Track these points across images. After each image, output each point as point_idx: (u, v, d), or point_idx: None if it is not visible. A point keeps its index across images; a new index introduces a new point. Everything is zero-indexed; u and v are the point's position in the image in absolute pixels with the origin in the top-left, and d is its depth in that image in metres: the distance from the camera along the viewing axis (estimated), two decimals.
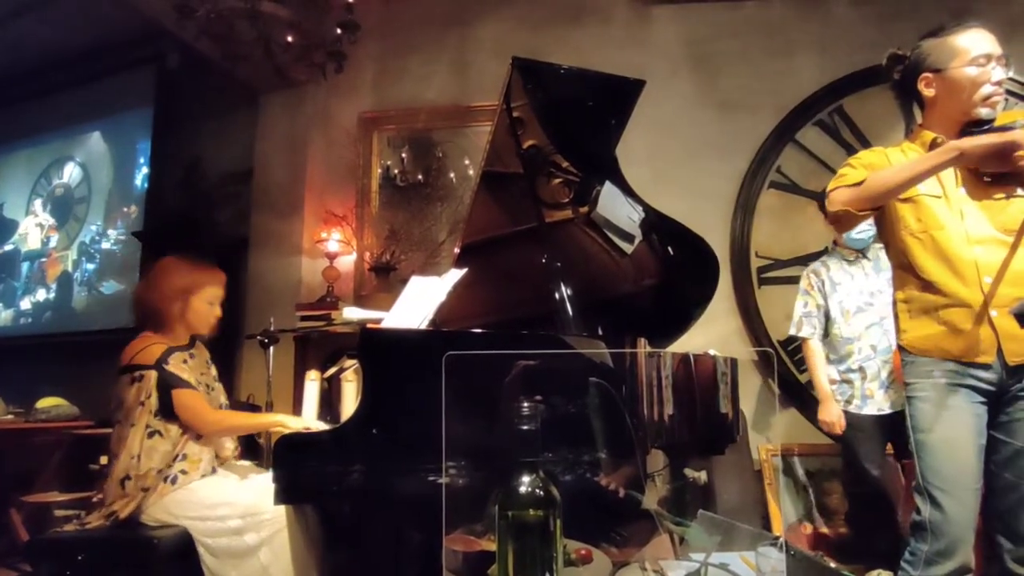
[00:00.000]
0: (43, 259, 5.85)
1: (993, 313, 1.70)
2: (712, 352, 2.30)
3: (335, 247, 4.12)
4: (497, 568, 1.03)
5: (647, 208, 2.43)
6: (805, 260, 3.73)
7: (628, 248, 2.53)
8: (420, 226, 4.24)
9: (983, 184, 1.79)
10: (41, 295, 5.79)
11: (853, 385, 2.95)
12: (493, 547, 1.08)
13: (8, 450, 3.96)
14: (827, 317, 3.04)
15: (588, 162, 2.49)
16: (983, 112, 1.76)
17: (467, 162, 4.24)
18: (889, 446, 2.97)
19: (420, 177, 4.29)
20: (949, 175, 1.82)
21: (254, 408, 3.33)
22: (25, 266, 5.96)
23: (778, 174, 3.92)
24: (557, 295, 2.27)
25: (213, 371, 2.53)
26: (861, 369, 2.92)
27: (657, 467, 2.72)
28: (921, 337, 1.81)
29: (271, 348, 3.05)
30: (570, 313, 2.23)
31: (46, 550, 2.21)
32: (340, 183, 4.40)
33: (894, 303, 1.92)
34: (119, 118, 5.58)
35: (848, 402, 2.94)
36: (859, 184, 1.78)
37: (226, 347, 4.05)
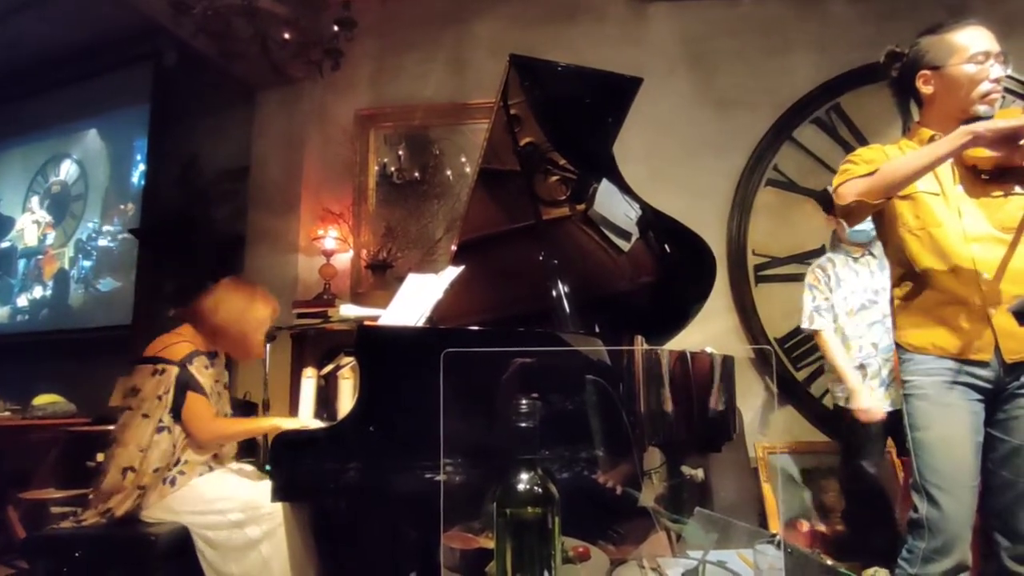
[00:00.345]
0: (40, 256, 5.84)
1: (991, 311, 1.70)
2: (709, 350, 2.30)
3: (332, 244, 4.12)
4: (495, 565, 1.03)
5: (644, 206, 2.43)
6: (802, 258, 3.74)
7: (625, 246, 2.53)
8: (417, 223, 4.24)
9: (981, 182, 1.79)
10: (38, 292, 5.78)
11: None
12: (491, 544, 1.08)
13: (5, 447, 3.96)
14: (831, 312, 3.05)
15: (585, 160, 2.48)
16: (981, 109, 1.76)
17: (464, 159, 4.24)
18: (890, 443, 2.97)
19: (417, 174, 4.29)
20: (947, 173, 1.82)
21: (250, 405, 3.33)
22: (22, 263, 5.95)
23: (775, 172, 3.92)
24: (554, 293, 2.26)
25: (225, 378, 2.54)
26: (862, 367, 2.93)
27: (654, 465, 2.72)
28: (918, 335, 1.81)
29: (268, 345, 3.04)
30: (567, 311, 2.23)
31: (43, 547, 2.21)
32: (337, 180, 4.39)
33: (891, 300, 1.92)
34: (116, 115, 5.58)
35: (849, 399, 2.95)
36: (871, 175, 1.77)
37: None
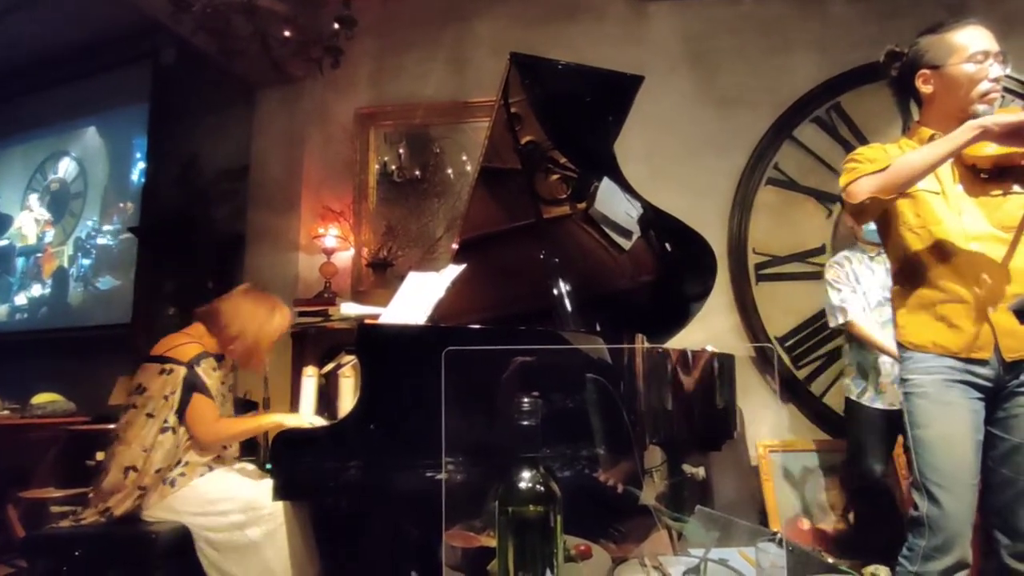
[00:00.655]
0: (39, 254, 5.83)
1: (991, 309, 1.71)
2: (710, 348, 2.31)
3: (332, 243, 4.11)
4: (497, 564, 1.03)
5: (645, 204, 2.43)
6: (802, 256, 3.75)
7: (626, 244, 2.53)
8: (417, 222, 4.23)
9: (980, 181, 1.80)
10: (37, 290, 5.77)
11: (868, 379, 2.98)
12: (493, 543, 1.08)
13: (4, 446, 3.95)
14: None
15: (586, 158, 2.49)
16: (980, 109, 1.76)
17: (464, 158, 4.23)
18: (901, 440, 2.98)
19: (417, 173, 4.28)
20: (947, 172, 1.82)
21: (251, 404, 3.33)
22: (21, 261, 5.94)
23: (776, 171, 3.91)
24: (555, 291, 2.26)
25: (231, 380, 2.54)
26: (875, 365, 2.94)
27: (655, 463, 2.72)
28: (919, 333, 1.81)
29: None
30: (568, 309, 2.23)
31: (42, 546, 2.21)
32: (337, 179, 4.39)
33: (892, 298, 1.92)
34: (115, 113, 5.56)
35: (861, 394, 2.96)
36: (882, 171, 1.75)
37: None
